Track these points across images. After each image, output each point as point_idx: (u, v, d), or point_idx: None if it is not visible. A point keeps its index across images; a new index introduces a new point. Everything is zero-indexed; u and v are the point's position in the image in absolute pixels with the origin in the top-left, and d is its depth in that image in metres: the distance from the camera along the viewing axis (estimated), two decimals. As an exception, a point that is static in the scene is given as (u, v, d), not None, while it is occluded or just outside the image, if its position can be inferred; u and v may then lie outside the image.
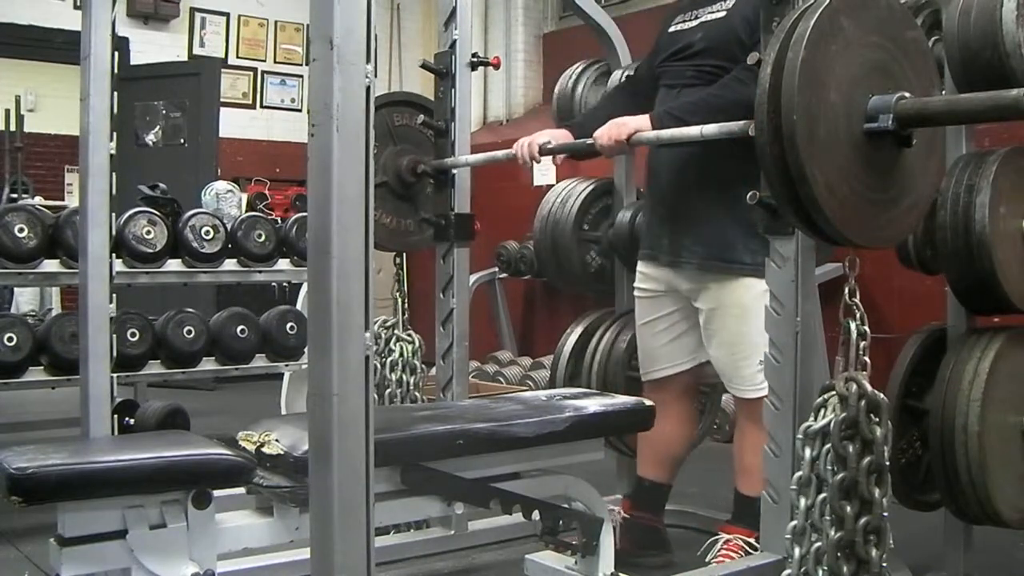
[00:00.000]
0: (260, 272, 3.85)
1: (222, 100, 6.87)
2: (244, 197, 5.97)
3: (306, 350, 2.91)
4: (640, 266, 2.82)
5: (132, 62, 6.65)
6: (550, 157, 2.62)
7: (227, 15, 7.42)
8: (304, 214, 3.10)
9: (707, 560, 2.56)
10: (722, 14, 2.56)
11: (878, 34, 1.78)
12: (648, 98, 2.68)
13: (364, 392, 1.45)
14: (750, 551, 2.52)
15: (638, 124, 2.39)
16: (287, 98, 7.72)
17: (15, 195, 6.62)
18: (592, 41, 3.44)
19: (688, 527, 3.02)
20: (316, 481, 1.47)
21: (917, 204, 1.89)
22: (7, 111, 7.01)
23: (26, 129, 7.23)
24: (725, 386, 2.70)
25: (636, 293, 2.83)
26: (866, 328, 1.91)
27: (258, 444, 1.89)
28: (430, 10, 7.63)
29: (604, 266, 3.24)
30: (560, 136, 2.64)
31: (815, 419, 1.90)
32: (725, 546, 2.58)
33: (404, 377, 3.00)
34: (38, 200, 6.67)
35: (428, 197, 2.97)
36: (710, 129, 2.21)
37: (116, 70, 2.50)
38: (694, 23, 2.64)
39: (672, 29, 2.71)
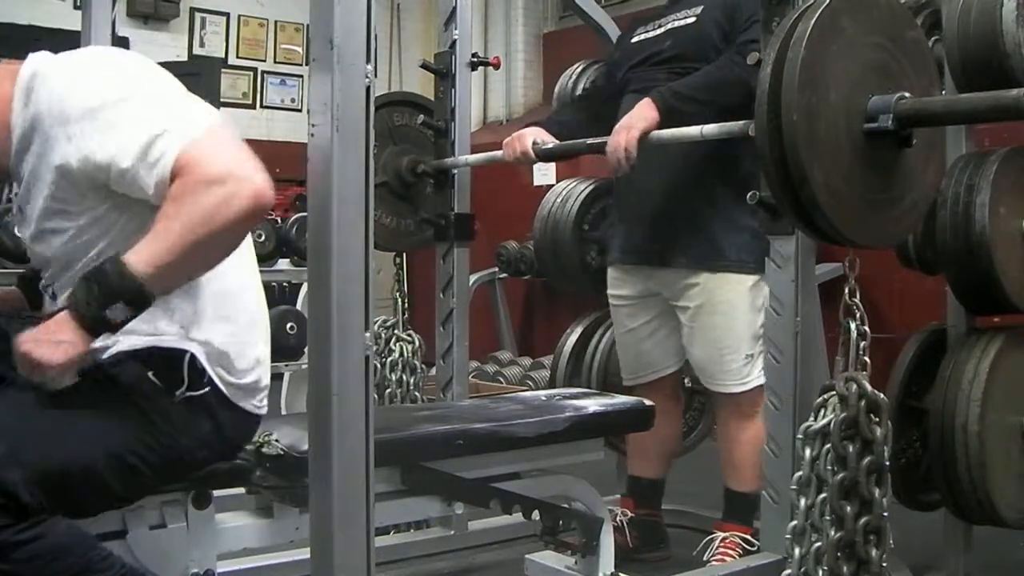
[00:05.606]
0: (260, 272, 3.84)
1: (222, 100, 6.84)
2: (244, 197, 5.95)
3: (306, 350, 2.90)
4: (614, 272, 2.81)
5: (132, 62, 6.64)
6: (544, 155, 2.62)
7: (227, 15, 7.40)
8: (304, 214, 3.09)
9: (704, 558, 2.57)
10: (691, 20, 2.60)
11: (878, 34, 1.78)
12: (601, 115, 2.65)
13: (364, 392, 1.45)
14: (747, 547, 2.54)
15: (644, 124, 2.36)
16: (287, 98, 7.71)
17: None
18: (592, 41, 3.44)
19: (687, 527, 3.02)
20: (316, 481, 1.47)
21: (917, 204, 1.88)
22: (7, 111, 6.99)
23: (26, 129, 7.22)
24: (704, 384, 2.70)
25: (613, 301, 2.82)
26: (866, 328, 1.91)
27: (258, 444, 1.89)
28: (430, 10, 7.62)
29: (604, 266, 3.23)
30: (541, 134, 2.60)
31: (815, 419, 1.90)
32: (722, 544, 2.59)
33: (404, 377, 3.00)
34: (38, 200, 6.65)
35: (428, 197, 2.97)
36: (710, 129, 2.20)
37: (116, 70, 2.49)
38: (659, 31, 2.67)
39: (636, 40, 2.73)
